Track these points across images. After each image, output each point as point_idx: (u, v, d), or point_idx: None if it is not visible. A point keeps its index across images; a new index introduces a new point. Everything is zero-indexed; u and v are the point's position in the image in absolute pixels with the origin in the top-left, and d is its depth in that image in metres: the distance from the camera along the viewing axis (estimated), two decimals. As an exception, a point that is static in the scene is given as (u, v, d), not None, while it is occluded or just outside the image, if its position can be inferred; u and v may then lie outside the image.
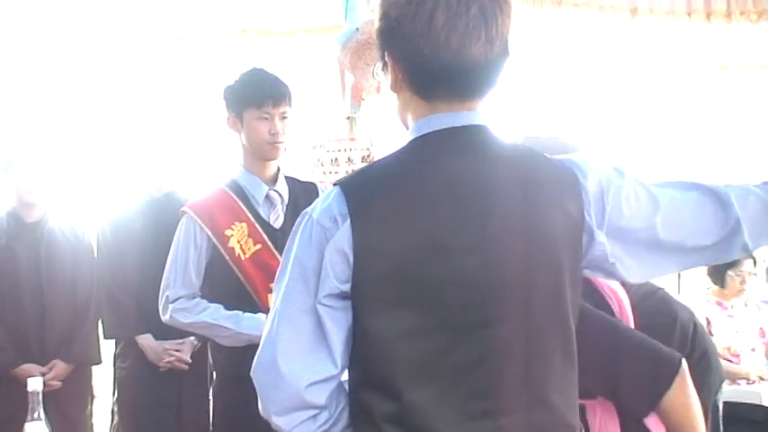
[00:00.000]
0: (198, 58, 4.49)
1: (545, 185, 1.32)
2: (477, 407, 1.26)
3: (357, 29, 4.15)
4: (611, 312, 1.84)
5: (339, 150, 3.99)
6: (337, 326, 1.27)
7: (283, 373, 1.26)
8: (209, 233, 2.49)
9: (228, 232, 2.48)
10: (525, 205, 1.29)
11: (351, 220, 1.25)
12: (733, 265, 4.06)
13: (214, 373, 2.58)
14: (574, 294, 1.35)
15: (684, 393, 1.74)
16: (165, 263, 2.57)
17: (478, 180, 1.28)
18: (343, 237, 1.25)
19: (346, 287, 1.26)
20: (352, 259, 1.25)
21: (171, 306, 2.52)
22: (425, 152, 1.31)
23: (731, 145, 5.23)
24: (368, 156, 4.01)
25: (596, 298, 1.84)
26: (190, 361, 3.12)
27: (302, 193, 2.59)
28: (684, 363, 1.75)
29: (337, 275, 1.25)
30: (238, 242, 2.47)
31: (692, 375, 1.76)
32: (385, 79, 1.35)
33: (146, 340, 3.14)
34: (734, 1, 4.64)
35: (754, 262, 4.15)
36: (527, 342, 1.28)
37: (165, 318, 2.54)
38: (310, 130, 4.00)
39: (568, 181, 1.35)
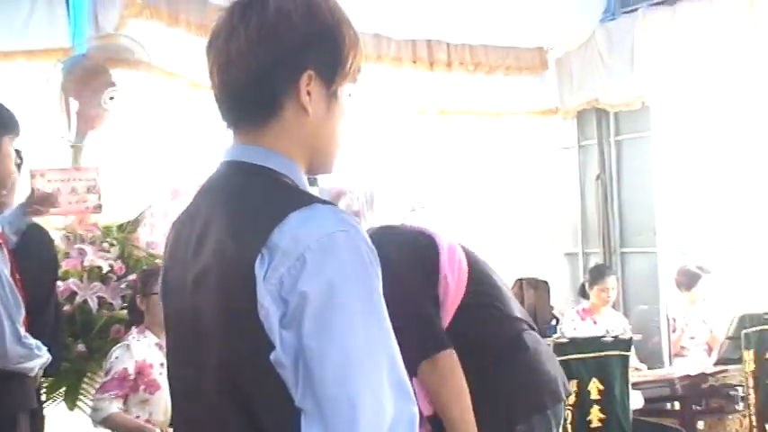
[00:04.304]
0: None
1: (231, 231, 1.15)
2: None
3: (83, 54, 3.97)
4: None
5: (62, 180, 3.76)
6: None
7: None
8: None
9: None
10: (204, 250, 1.19)
11: None
12: (598, 281, 4.83)
13: None
14: (249, 355, 1.12)
15: (437, 374, 2.05)
16: None
17: (198, 219, 1.23)
18: None
19: None
20: None
21: None
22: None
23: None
24: (94, 186, 3.81)
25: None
26: None
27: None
28: (445, 354, 2.06)
29: None
30: None
31: None
32: None
33: None
34: (453, 51, 5.14)
35: (617, 278, 5.00)
36: (203, 395, 1.18)
37: None
38: (29, 157, 3.74)
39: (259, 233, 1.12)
